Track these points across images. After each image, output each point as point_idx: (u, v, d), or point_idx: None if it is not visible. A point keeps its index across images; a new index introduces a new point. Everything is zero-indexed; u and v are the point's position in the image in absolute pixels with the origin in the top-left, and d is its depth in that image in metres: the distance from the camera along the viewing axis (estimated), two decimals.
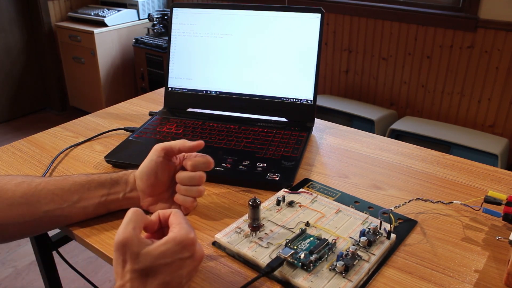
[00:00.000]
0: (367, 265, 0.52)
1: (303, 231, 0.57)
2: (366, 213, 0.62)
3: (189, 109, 0.93)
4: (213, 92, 0.92)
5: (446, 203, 0.65)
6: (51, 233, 0.88)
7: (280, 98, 0.88)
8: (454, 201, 0.64)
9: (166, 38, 2.74)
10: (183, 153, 0.62)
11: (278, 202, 0.63)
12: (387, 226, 0.57)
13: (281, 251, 0.52)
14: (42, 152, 0.81)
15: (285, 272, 0.51)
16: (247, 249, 0.54)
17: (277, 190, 0.67)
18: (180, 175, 0.60)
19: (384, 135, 1.41)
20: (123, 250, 0.43)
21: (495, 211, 0.60)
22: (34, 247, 0.89)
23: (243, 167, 0.72)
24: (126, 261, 0.43)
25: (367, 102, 2.48)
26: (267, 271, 0.50)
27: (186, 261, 0.46)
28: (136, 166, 0.62)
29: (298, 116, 0.87)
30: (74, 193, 0.59)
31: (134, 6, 2.92)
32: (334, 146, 0.84)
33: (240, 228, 0.58)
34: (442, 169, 0.75)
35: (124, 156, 0.76)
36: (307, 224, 0.59)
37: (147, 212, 0.61)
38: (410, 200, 0.65)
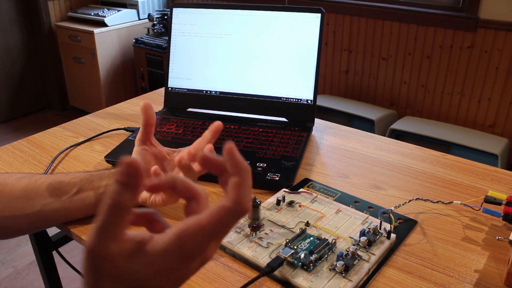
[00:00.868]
0: (367, 265, 0.52)
1: (303, 231, 0.57)
2: (366, 213, 0.62)
3: (189, 109, 0.93)
4: (213, 92, 0.92)
5: (446, 203, 0.65)
6: (51, 233, 0.88)
7: (280, 98, 0.88)
8: (454, 201, 0.64)
9: (166, 38, 2.74)
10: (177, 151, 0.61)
11: (278, 202, 0.63)
12: (387, 226, 0.57)
13: (281, 251, 0.52)
14: (42, 152, 0.81)
15: (285, 272, 0.51)
16: (247, 249, 0.54)
17: (277, 190, 0.67)
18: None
19: (384, 135, 1.41)
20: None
21: (495, 211, 0.60)
22: (34, 247, 0.89)
23: None
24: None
25: (367, 102, 2.48)
26: (267, 271, 0.50)
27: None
28: None
29: (298, 116, 0.87)
30: (74, 186, 0.59)
31: (134, 6, 2.92)
32: (334, 146, 0.84)
33: (240, 228, 0.58)
34: (442, 169, 0.75)
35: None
36: (307, 224, 0.59)
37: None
38: (410, 200, 0.65)
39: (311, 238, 0.55)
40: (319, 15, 0.85)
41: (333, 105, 2.29)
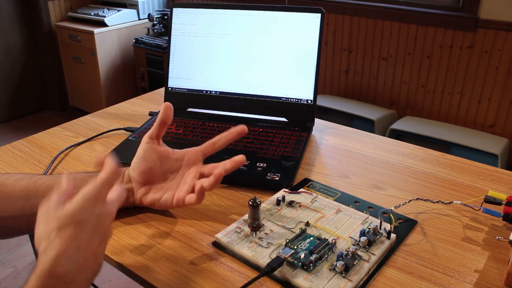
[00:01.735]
0: (367, 265, 0.52)
1: (303, 231, 0.57)
2: (366, 213, 0.62)
3: (189, 109, 0.93)
4: (213, 92, 0.92)
5: (446, 203, 0.65)
6: None
7: (280, 98, 0.88)
8: (454, 201, 0.64)
9: (166, 38, 2.74)
10: (186, 155, 0.62)
11: (278, 202, 0.63)
12: (387, 226, 0.57)
13: (281, 251, 0.52)
14: (42, 152, 0.81)
15: (285, 272, 0.51)
16: (247, 249, 0.54)
17: (277, 190, 0.67)
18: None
19: (384, 135, 1.41)
20: (44, 214, 0.46)
21: (495, 211, 0.60)
22: (34, 247, 0.89)
23: (243, 167, 0.72)
24: (47, 225, 0.44)
25: (367, 102, 2.48)
26: (267, 271, 0.50)
27: (100, 218, 0.46)
28: None
29: (298, 116, 0.87)
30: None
31: (134, 6, 2.92)
32: (334, 146, 0.84)
33: (240, 228, 0.58)
34: (442, 169, 0.75)
35: (124, 156, 0.76)
36: (307, 224, 0.59)
37: (139, 208, 0.61)
38: (410, 200, 0.65)
39: (311, 238, 0.55)
40: (319, 15, 0.85)
41: (333, 105, 2.29)
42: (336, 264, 0.51)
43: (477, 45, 2.07)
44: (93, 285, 0.97)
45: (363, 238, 0.55)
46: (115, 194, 0.50)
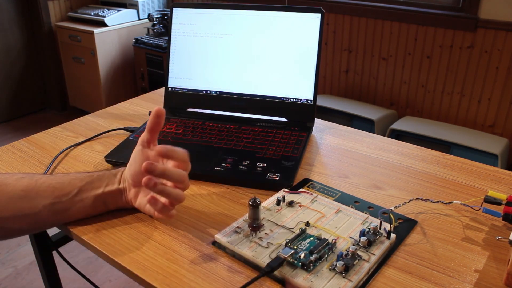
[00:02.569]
0: (367, 265, 0.52)
1: (303, 231, 0.57)
2: (366, 213, 0.62)
3: (189, 109, 0.93)
4: (213, 92, 0.92)
5: (446, 203, 0.65)
6: (51, 233, 0.88)
7: (280, 98, 0.88)
8: (454, 201, 0.64)
9: (166, 38, 2.74)
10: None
11: (278, 202, 0.63)
12: (387, 226, 0.57)
13: (281, 251, 0.52)
14: (42, 152, 0.81)
15: (285, 272, 0.51)
16: (247, 249, 0.54)
17: (277, 190, 0.67)
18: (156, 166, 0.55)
19: (384, 135, 1.41)
20: None
21: (495, 211, 0.60)
22: (34, 247, 0.89)
23: (243, 167, 0.72)
24: None
25: (367, 102, 2.48)
26: (267, 271, 0.50)
27: None
28: None
29: (298, 116, 0.87)
30: (74, 187, 0.59)
31: (134, 6, 2.92)
32: (334, 146, 0.84)
33: (240, 228, 0.58)
34: (442, 169, 0.75)
35: (124, 156, 0.76)
36: (307, 224, 0.59)
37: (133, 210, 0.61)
38: (410, 200, 0.65)
39: (311, 238, 0.55)
40: (319, 15, 0.85)
41: (333, 105, 2.29)
42: (336, 264, 0.51)
43: (477, 45, 2.07)
44: (94, 285, 0.97)
45: (363, 238, 0.55)
46: None
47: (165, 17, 2.83)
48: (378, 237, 0.56)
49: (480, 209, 0.62)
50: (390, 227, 0.57)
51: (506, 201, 0.59)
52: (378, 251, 0.54)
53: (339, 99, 2.48)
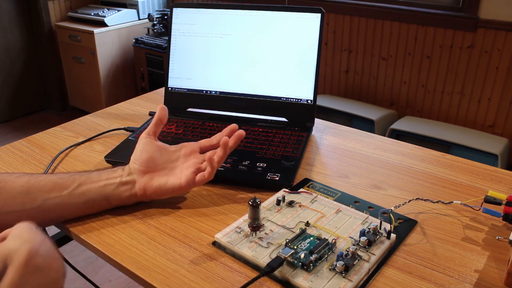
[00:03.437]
0: (367, 265, 0.52)
1: (303, 231, 0.57)
2: (366, 213, 0.62)
3: (189, 109, 0.93)
4: (213, 92, 0.92)
5: (446, 203, 0.65)
6: (51, 233, 0.88)
7: (280, 98, 0.88)
8: (454, 201, 0.64)
9: (166, 38, 2.74)
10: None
11: (278, 202, 0.63)
12: (387, 226, 0.57)
13: (281, 251, 0.52)
14: (42, 152, 0.81)
15: (285, 272, 0.51)
16: (247, 249, 0.54)
17: (277, 190, 0.67)
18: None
19: (384, 135, 1.41)
20: None
21: (495, 211, 0.60)
22: None
23: (243, 167, 0.72)
24: None
25: (367, 102, 2.48)
26: (267, 271, 0.50)
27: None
28: None
29: (298, 116, 0.87)
30: (75, 181, 0.60)
31: (134, 6, 2.92)
32: (334, 146, 0.84)
33: (240, 228, 0.58)
34: (442, 169, 0.75)
35: (124, 156, 0.76)
36: (307, 224, 0.59)
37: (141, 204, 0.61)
38: (410, 200, 0.65)
39: (311, 238, 0.55)
40: (319, 15, 0.85)
41: (333, 105, 2.29)
42: (336, 264, 0.51)
43: (477, 45, 2.07)
44: (94, 284, 0.97)
45: (363, 238, 0.55)
46: None
47: (165, 17, 2.83)
48: (378, 237, 0.56)
49: (480, 209, 0.62)
50: (390, 227, 0.57)
51: (506, 201, 0.59)
52: (378, 251, 0.54)
53: (339, 99, 2.48)
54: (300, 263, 0.51)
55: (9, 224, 0.58)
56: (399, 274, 0.52)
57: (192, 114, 0.92)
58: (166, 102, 0.94)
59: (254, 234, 0.57)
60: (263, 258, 0.53)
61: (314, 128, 0.90)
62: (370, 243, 0.55)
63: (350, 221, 0.60)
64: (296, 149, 0.78)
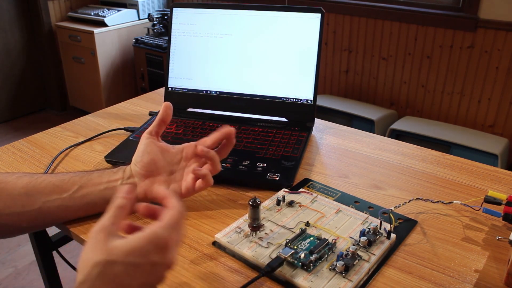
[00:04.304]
0: (367, 265, 0.52)
1: (303, 231, 0.57)
2: (366, 213, 0.62)
3: (189, 109, 0.93)
4: (213, 92, 0.92)
5: (446, 203, 0.65)
6: (51, 233, 0.88)
7: (280, 98, 0.88)
8: (454, 201, 0.64)
9: (166, 38, 2.74)
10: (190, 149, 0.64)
11: (278, 202, 0.63)
12: (387, 226, 0.57)
13: (281, 251, 0.52)
14: (42, 152, 0.81)
15: (285, 272, 0.51)
16: (247, 249, 0.54)
17: (277, 190, 0.67)
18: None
19: (384, 135, 1.41)
20: (94, 239, 0.39)
21: (495, 211, 0.60)
22: (34, 247, 0.89)
23: (243, 167, 0.72)
24: (94, 252, 0.39)
25: (367, 102, 2.48)
26: (267, 271, 0.50)
27: (156, 267, 0.41)
28: None
29: (298, 116, 0.87)
30: (75, 183, 0.59)
31: (134, 6, 2.92)
32: (334, 146, 0.84)
33: (240, 228, 0.58)
34: (442, 169, 0.75)
35: (124, 156, 0.76)
36: (307, 224, 0.59)
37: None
38: (410, 200, 0.65)
39: (311, 238, 0.55)
40: (319, 15, 0.85)
41: (333, 105, 2.29)
42: (336, 264, 0.51)
43: (477, 45, 2.07)
44: None
45: (363, 238, 0.55)
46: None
47: (165, 17, 2.83)
48: (378, 237, 0.56)
49: (480, 209, 0.62)
50: (390, 227, 0.57)
51: (506, 201, 0.59)
52: (378, 251, 0.54)
53: (339, 99, 2.48)
54: (300, 263, 0.51)
55: (9, 226, 0.58)
56: (399, 274, 0.52)
57: (192, 114, 0.92)
58: None
59: (254, 234, 0.57)
60: (263, 258, 0.53)
61: (314, 128, 0.90)
62: (370, 243, 0.55)
63: (350, 221, 0.60)
64: (296, 149, 0.78)
